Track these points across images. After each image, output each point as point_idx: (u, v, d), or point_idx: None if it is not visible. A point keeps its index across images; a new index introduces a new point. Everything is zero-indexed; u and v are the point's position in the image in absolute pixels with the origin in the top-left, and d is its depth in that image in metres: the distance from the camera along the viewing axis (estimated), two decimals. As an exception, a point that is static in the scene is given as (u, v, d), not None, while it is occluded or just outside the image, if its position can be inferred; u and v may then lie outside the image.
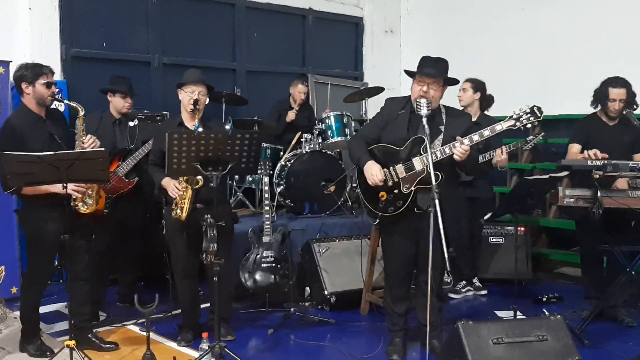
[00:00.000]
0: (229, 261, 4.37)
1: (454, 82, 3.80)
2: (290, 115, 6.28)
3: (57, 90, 4.00)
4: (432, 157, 3.35)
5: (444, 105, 3.78)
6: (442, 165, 3.55)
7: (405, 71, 3.82)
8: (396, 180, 3.67)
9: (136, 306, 3.72)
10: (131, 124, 4.79)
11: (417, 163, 3.59)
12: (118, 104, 4.72)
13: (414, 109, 3.62)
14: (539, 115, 3.31)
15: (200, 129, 3.83)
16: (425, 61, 3.72)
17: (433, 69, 3.65)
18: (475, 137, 3.44)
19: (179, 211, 3.85)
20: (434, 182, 3.23)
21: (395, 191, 3.68)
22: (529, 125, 3.36)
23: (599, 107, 4.62)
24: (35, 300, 3.96)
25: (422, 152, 3.59)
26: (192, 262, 4.05)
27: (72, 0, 5.93)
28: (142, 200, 4.86)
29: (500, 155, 4.46)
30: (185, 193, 3.84)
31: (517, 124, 3.36)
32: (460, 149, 3.45)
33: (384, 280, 4.17)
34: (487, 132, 3.41)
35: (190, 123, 4.02)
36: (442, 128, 3.59)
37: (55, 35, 5.83)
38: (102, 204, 4.46)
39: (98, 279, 4.61)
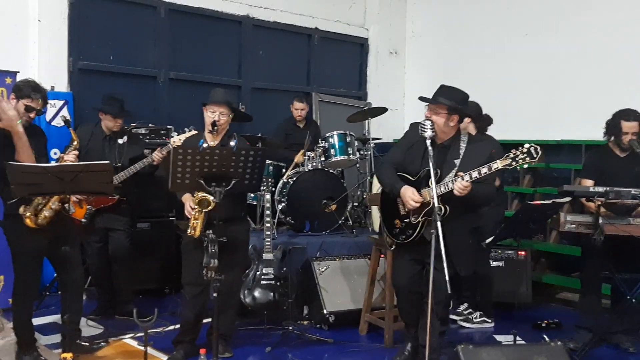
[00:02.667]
0: (239, 277, 4.39)
1: (465, 114, 3.81)
2: (299, 158, 6.13)
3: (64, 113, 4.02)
4: (434, 181, 3.39)
5: (470, 135, 3.78)
6: (450, 198, 3.54)
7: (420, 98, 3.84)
8: (407, 210, 3.72)
9: (135, 320, 3.69)
10: (120, 141, 4.89)
11: (425, 195, 3.61)
12: (108, 124, 4.84)
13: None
14: (535, 156, 3.32)
15: (205, 145, 3.85)
16: (437, 89, 3.76)
17: (437, 96, 3.70)
18: (474, 174, 3.46)
19: (192, 230, 3.86)
20: (436, 204, 3.28)
21: (407, 220, 3.74)
22: (525, 165, 3.38)
23: (612, 139, 4.59)
24: (26, 311, 3.94)
25: (429, 184, 3.56)
26: (203, 277, 4.04)
27: (81, 13, 5.98)
28: (124, 214, 4.90)
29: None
30: (198, 214, 3.85)
31: (514, 163, 3.37)
32: (459, 184, 3.45)
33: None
34: (484, 170, 3.43)
35: (212, 141, 4.05)
36: (458, 162, 3.57)
37: (63, 48, 5.87)
38: (81, 214, 4.68)
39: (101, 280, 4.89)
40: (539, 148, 3.31)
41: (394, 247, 3.97)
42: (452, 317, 5.22)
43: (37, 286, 4.07)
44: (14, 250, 3.84)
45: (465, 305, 5.32)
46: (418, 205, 3.63)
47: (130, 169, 4.70)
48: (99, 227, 4.85)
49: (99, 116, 4.90)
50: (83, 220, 4.73)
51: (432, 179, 3.39)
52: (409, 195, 3.64)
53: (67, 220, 3.94)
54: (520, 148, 3.37)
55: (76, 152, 4.09)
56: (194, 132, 4.66)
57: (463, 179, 3.44)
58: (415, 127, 3.78)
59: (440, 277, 3.19)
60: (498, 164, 3.40)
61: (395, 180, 3.78)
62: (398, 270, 3.99)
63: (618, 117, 4.49)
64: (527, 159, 3.33)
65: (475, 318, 5.17)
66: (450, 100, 3.64)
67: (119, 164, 4.76)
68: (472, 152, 3.62)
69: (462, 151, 3.58)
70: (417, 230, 3.67)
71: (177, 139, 4.55)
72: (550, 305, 5.90)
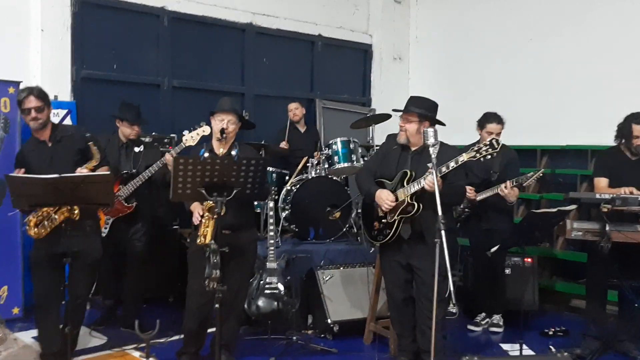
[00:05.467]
0: (245, 287, 4.36)
1: (438, 122, 3.98)
2: (283, 145, 6.39)
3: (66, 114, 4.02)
4: (436, 182, 3.42)
5: (442, 143, 3.86)
6: (424, 197, 3.72)
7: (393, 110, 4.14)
8: (384, 211, 3.91)
9: (136, 332, 3.67)
10: (137, 149, 4.85)
11: (400, 194, 3.83)
12: (125, 131, 4.82)
13: (404, 145, 4.00)
14: (496, 147, 3.56)
15: (206, 154, 3.83)
16: (407, 100, 4.01)
17: (408, 106, 3.95)
18: (443, 169, 3.65)
19: (202, 238, 3.83)
20: (440, 213, 3.28)
21: (384, 221, 3.95)
22: (488, 157, 3.60)
23: (623, 142, 4.53)
24: (44, 322, 3.92)
25: (405, 184, 3.82)
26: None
27: (84, 22, 6.00)
28: (141, 223, 4.85)
29: (504, 190, 4.70)
30: (208, 221, 3.82)
31: (477, 155, 3.59)
32: (429, 179, 3.60)
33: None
34: (452, 164, 3.62)
35: (220, 149, 4.05)
36: (430, 164, 3.63)
37: (67, 57, 5.88)
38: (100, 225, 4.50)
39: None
40: (499, 140, 3.58)
41: (372, 249, 4.24)
42: (470, 327, 5.22)
43: (52, 297, 3.95)
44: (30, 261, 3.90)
45: (483, 315, 5.27)
46: (393, 205, 3.83)
47: (144, 174, 4.63)
48: (116, 239, 4.74)
49: (116, 124, 4.85)
50: (103, 231, 4.60)
51: (435, 177, 3.41)
52: (384, 197, 3.86)
53: (87, 233, 3.98)
54: (484, 141, 3.60)
55: (90, 167, 4.03)
56: (205, 128, 4.50)
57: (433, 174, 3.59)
58: (390, 137, 4.13)
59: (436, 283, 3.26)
60: (464, 157, 3.61)
61: (371, 184, 4.03)
62: (388, 279, 4.18)
63: (630, 120, 4.44)
64: (490, 150, 3.56)
65: (482, 321, 5.21)
66: (420, 108, 3.90)
67: (134, 171, 4.71)
68: (442, 156, 3.74)
69: (433, 155, 3.65)
70: (394, 229, 3.85)
71: (189, 137, 4.50)
72: (558, 312, 5.83)
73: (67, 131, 4.14)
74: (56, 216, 3.73)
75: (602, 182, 4.49)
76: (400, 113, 4.00)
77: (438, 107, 3.99)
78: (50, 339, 3.94)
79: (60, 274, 3.92)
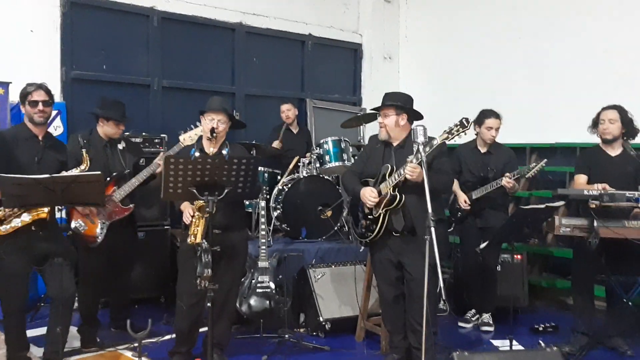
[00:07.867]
0: (236, 286, 4.37)
1: (415, 114, 4.02)
2: (275, 144, 6.37)
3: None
4: (426, 177, 3.44)
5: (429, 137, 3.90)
6: (409, 187, 3.78)
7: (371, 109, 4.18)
8: (369, 207, 3.98)
9: (128, 331, 3.66)
10: (120, 147, 4.65)
11: (383, 188, 3.89)
12: (110, 130, 4.58)
13: (386, 142, 4.05)
14: (467, 125, 3.58)
15: (197, 154, 3.84)
16: (383, 97, 4.06)
17: (384, 101, 4.00)
18: (419, 155, 3.65)
19: (192, 237, 3.83)
20: (430, 210, 3.28)
21: (370, 217, 3.99)
22: (462, 135, 3.64)
23: (597, 134, 4.61)
24: (13, 328, 3.89)
25: (387, 177, 3.87)
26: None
27: (74, 23, 5.98)
28: (132, 224, 4.82)
29: (507, 183, 4.80)
30: (198, 220, 3.82)
31: (450, 135, 3.62)
32: (408, 167, 3.67)
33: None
34: (427, 148, 3.63)
35: (210, 148, 4.05)
36: (411, 157, 3.72)
37: (56, 58, 5.87)
38: (93, 230, 4.37)
39: (91, 303, 4.62)
40: (469, 118, 3.61)
41: (362, 248, 4.37)
42: (460, 324, 5.26)
43: (22, 303, 3.94)
44: None
45: (473, 311, 5.31)
46: (376, 200, 3.89)
47: (139, 175, 4.45)
48: (113, 244, 4.47)
49: (99, 122, 4.59)
50: (98, 237, 4.35)
51: (425, 175, 3.43)
52: (367, 194, 3.93)
53: (58, 235, 3.96)
54: (454, 122, 3.61)
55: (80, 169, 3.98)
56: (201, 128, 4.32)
57: (412, 162, 3.66)
58: (373, 137, 4.23)
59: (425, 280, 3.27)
60: (437, 139, 3.64)
61: (356, 184, 4.09)
62: (379, 277, 4.21)
63: (601, 109, 4.58)
64: (460, 129, 3.60)
65: (472, 317, 5.25)
66: (395, 101, 3.95)
67: (128, 170, 4.56)
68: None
69: (422, 152, 3.68)
70: (380, 223, 3.89)
71: (186, 137, 4.33)
72: (547, 308, 5.88)
73: (57, 140, 4.16)
74: (28, 215, 3.66)
75: (581, 178, 4.56)
76: (378, 111, 4.04)
77: (413, 100, 4.04)
78: (21, 345, 3.96)
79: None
